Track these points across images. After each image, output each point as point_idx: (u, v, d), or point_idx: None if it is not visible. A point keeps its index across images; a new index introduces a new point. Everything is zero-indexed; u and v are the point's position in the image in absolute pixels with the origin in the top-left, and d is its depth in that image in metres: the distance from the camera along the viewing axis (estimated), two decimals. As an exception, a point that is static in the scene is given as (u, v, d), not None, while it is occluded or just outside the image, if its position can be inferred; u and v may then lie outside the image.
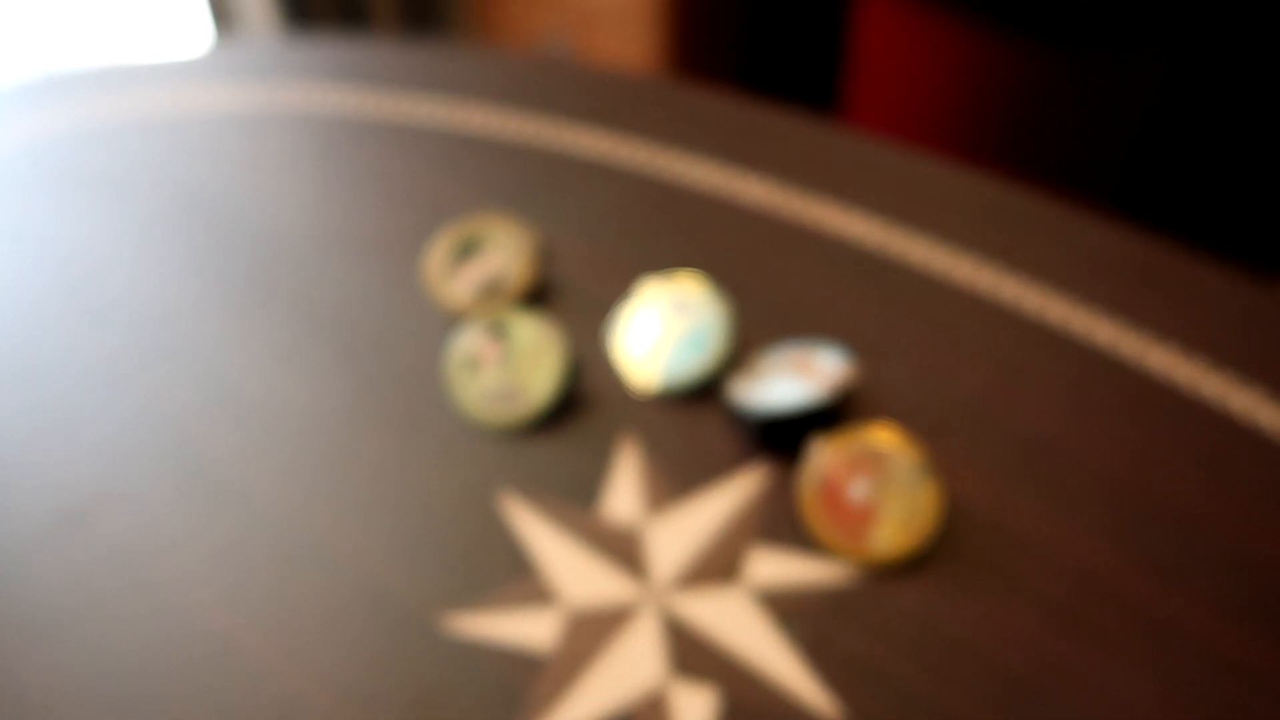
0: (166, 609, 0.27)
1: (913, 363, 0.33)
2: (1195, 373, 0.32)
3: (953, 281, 0.36)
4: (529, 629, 0.26)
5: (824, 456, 0.28)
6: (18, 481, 0.30)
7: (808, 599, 0.27)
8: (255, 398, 0.33)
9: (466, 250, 0.36)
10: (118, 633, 0.26)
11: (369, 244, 0.39)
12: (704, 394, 0.32)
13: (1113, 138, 0.96)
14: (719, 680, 0.25)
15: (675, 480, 0.30)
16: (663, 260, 0.37)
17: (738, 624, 0.26)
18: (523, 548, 0.28)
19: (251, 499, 0.29)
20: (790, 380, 0.31)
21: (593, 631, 0.26)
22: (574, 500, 0.29)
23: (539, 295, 0.36)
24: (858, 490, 0.28)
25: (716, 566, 0.27)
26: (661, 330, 0.33)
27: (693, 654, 0.26)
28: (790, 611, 0.26)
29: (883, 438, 0.29)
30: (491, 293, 0.35)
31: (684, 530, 0.28)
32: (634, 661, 0.25)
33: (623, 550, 0.28)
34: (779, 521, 0.29)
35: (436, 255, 0.36)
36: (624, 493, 0.29)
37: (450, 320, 0.35)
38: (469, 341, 0.32)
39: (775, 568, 0.27)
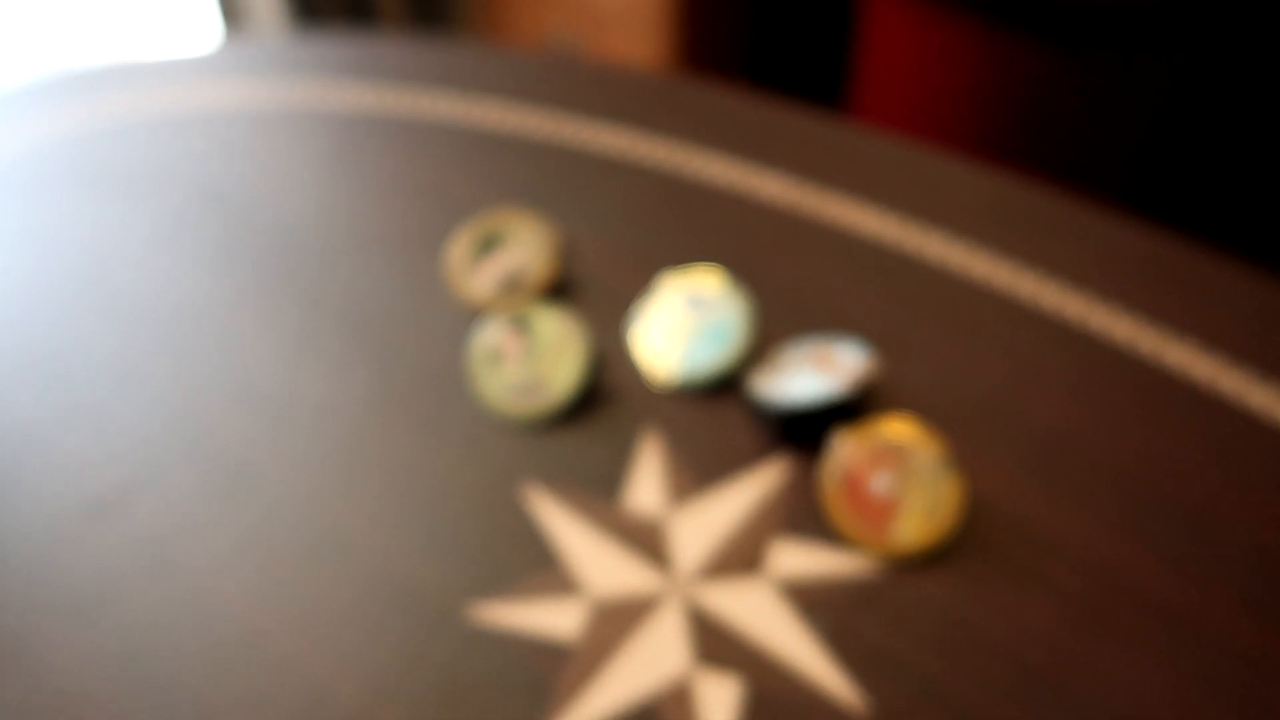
0: (194, 597, 0.27)
1: (931, 358, 0.33)
2: (1213, 369, 0.33)
3: (970, 277, 0.36)
4: (554, 619, 0.26)
5: (846, 450, 0.29)
6: (48, 473, 0.31)
7: (830, 591, 0.27)
8: (278, 392, 0.33)
9: (488, 245, 0.36)
10: (147, 620, 0.26)
11: (387, 239, 0.39)
12: (724, 388, 0.32)
13: (1121, 138, 0.96)
14: (742, 670, 0.25)
15: (697, 473, 0.30)
16: (681, 255, 0.37)
17: (761, 615, 0.26)
18: (546, 539, 0.28)
19: (277, 491, 0.30)
20: (811, 374, 0.31)
21: (617, 622, 0.26)
22: (597, 492, 0.29)
23: (560, 290, 0.36)
24: (880, 483, 0.28)
25: (739, 558, 0.28)
26: (681, 324, 0.33)
27: (716, 644, 0.26)
28: (813, 603, 0.27)
29: (903, 432, 0.29)
30: (513, 287, 0.35)
31: (707, 522, 0.29)
32: (658, 652, 0.26)
33: (646, 542, 0.28)
34: (801, 514, 0.29)
35: (458, 250, 0.36)
36: (646, 485, 0.30)
37: (472, 315, 0.35)
38: (491, 335, 0.33)
39: (798, 560, 0.28)
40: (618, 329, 0.35)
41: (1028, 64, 0.90)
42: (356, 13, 1.23)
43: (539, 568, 0.27)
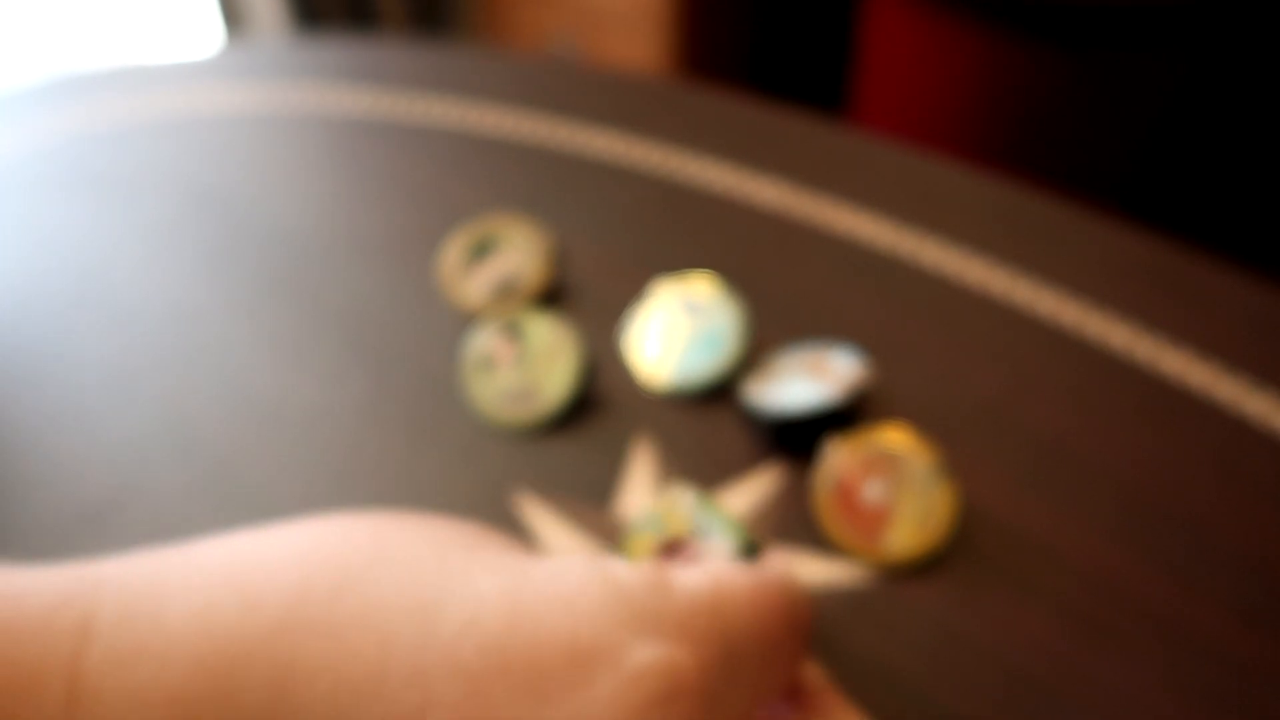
0: (184, 606, 0.27)
1: (926, 365, 0.33)
2: (1210, 376, 0.32)
3: (965, 284, 0.36)
4: (545, 628, 0.26)
5: (838, 458, 0.29)
6: (38, 480, 0.31)
7: (822, 599, 0.27)
8: (270, 397, 0.33)
9: (481, 251, 0.36)
10: (136, 629, 0.26)
11: (382, 244, 0.39)
12: (718, 395, 0.32)
13: (1123, 140, 0.96)
14: (734, 680, 0.25)
15: (689, 480, 0.30)
16: (676, 261, 0.37)
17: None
18: (538, 545, 0.28)
19: (268, 497, 0.30)
20: (804, 382, 0.31)
21: (608, 631, 0.26)
22: (589, 499, 0.29)
23: (553, 296, 0.36)
24: (872, 491, 0.28)
25: (731, 567, 0.28)
26: (675, 331, 0.33)
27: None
28: (805, 612, 0.27)
29: (897, 439, 0.29)
30: (506, 293, 0.35)
31: (698, 530, 0.28)
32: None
33: (638, 550, 0.28)
34: (793, 522, 0.29)
35: (451, 256, 0.36)
36: (638, 492, 0.30)
37: (465, 320, 0.35)
38: (484, 342, 0.33)
39: (790, 568, 0.27)
40: (611, 335, 0.34)
41: (1029, 67, 0.90)
42: (358, 15, 1.23)
43: (530, 576, 0.27)
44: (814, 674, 0.23)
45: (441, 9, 1.31)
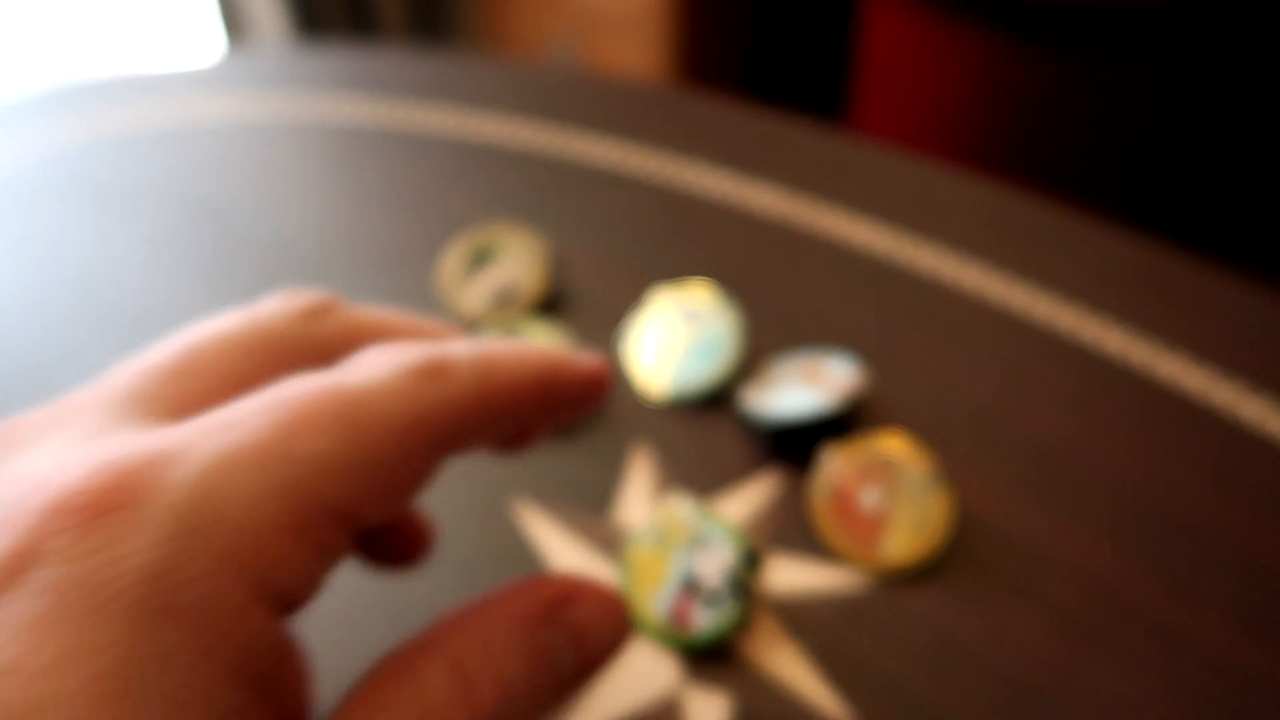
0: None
1: (922, 371, 0.33)
2: (1205, 381, 0.33)
3: (961, 289, 0.36)
4: (543, 636, 0.26)
5: (835, 465, 0.29)
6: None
7: (819, 606, 0.27)
8: None
9: (479, 259, 0.36)
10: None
11: (381, 253, 0.39)
12: (715, 402, 0.32)
13: (1123, 142, 0.96)
14: (730, 687, 0.25)
15: (687, 488, 0.30)
16: (673, 269, 0.37)
17: (749, 631, 0.26)
18: (536, 554, 0.28)
19: (268, 506, 0.30)
20: (801, 389, 0.31)
21: (606, 638, 0.26)
22: (586, 507, 0.29)
23: (551, 304, 0.36)
24: (869, 498, 0.28)
25: (728, 574, 0.28)
26: (672, 339, 0.34)
27: (704, 661, 0.26)
28: (802, 618, 0.27)
29: (893, 446, 0.29)
30: (505, 301, 0.35)
31: (696, 538, 0.29)
32: (646, 668, 0.26)
33: (635, 558, 0.28)
34: (790, 529, 0.29)
35: (450, 264, 0.36)
36: (636, 500, 0.30)
37: (464, 328, 0.35)
38: (482, 350, 0.33)
39: (787, 575, 0.28)
40: (608, 343, 0.35)
41: (1028, 70, 0.90)
42: (358, 22, 1.24)
43: (528, 584, 0.28)
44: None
45: (441, 15, 1.31)
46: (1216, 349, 0.33)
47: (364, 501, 0.14)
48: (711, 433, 0.32)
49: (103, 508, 0.12)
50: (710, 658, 0.26)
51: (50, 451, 0.13)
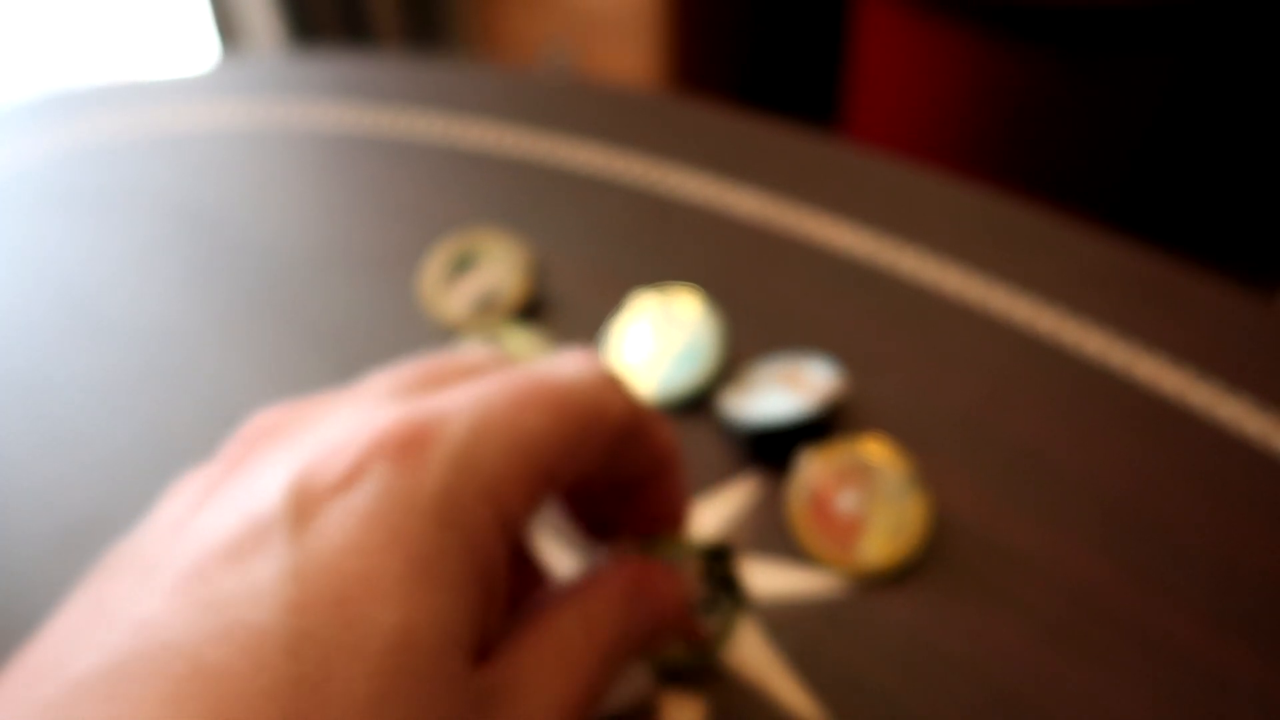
0: (165, 622, 0.27)
1: (902, 374, 0.33)
2: (1183, 382, 0.33)
3: (942, 292, 0.36)
4: (521, 640, 0.26)
5: (813, 468, 0.29)
6: (19, 501, 0.31)
7: (796, 609, 0.27)
8: (255, 412, 0.33)
9: (462, 265, 0.36)
10: (117, 645, 0.27)
11: (367, 259, 0.39)
12: (696, 406, 0.33)
13: (1116, 144, 0.96)
14: (707, 690, 0.25)
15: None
16: (656, 273, 0.37)
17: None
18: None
19: (249, 513, 0.30)
20: (780, 393, 0.31)
21: (584, 643, 0.26)
22: (566, 512, 0.30)
23: (533, 309, 0.36)
24: (846, 502, 0.28)
25: (706, 578, 0.28)
26: (655, 343, 0.34)
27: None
28: (779, 622, 0.27)
29: (872, 450, 0.29)
30: (487, 307, 0.35)
31: (675, 542, 0.29)
32: (625, 671, 0.26)
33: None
34: (769, 532, 0.29)
35: (432, 270, 0.36)
36: (616, 505, 0.30)
37: (446, 334, 0.36)
38: (464, 356, 0.33)
39: (764, 578, 0.28)
40: (591, 347, 0.35)
41: (1021, 72, 0.90)
42: (352, 27, 1.24)
43: (507, 589, 0.28)
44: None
45: (435, 19, 1.32)
46: (1195, 350, 0.34)
47: (565, 465, 0.18)
48: (691, 436, 0.32)
49: (406, 446, 0.16)
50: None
51: (354, 412, 0.18)
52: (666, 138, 0.44)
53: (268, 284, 0.38)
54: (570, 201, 0.42)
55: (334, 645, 0.14)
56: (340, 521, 0.15)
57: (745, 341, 0.35)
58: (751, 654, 0.26)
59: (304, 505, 0.16)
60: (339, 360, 0.35)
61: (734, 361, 0.34)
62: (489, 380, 0.18)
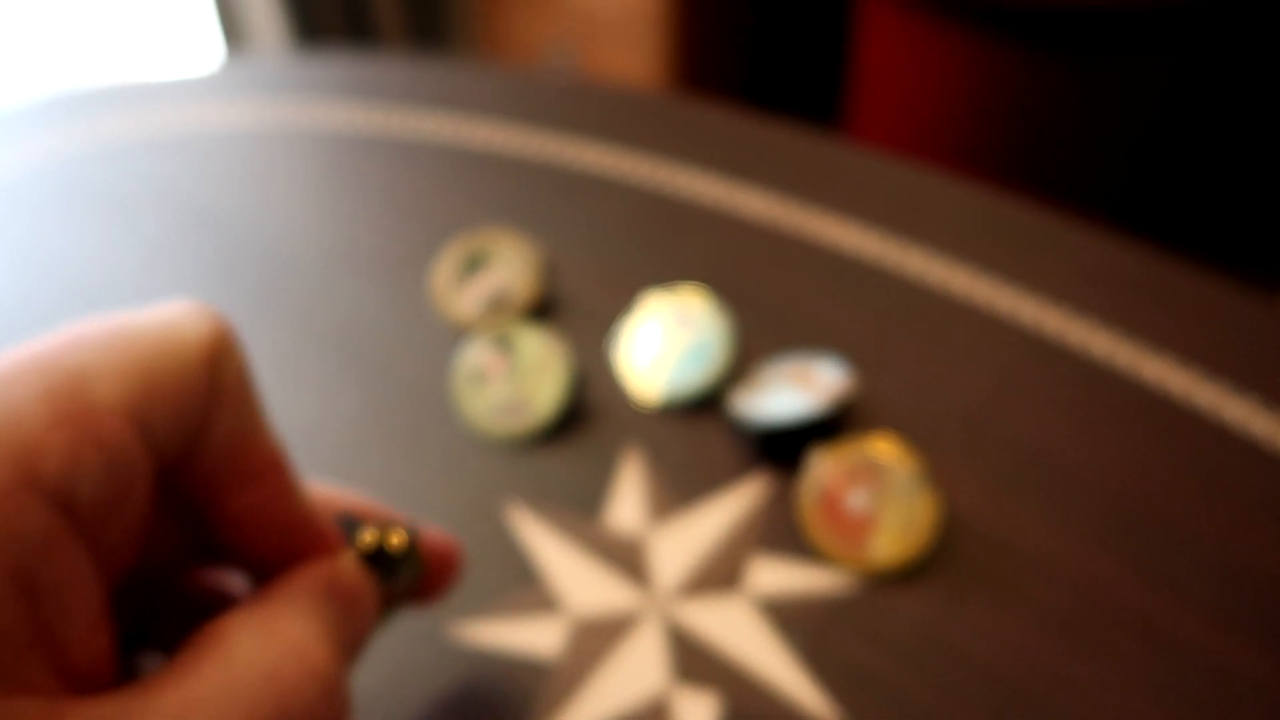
0: (181, 618, 0.27)
1: (910, 373, 0.34)
2: (1190, 383, 0.33)
3: (949, 293, 0.37)
4: (534, 637, 0.27)
5: (823, 467, 0.29)
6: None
7: (807, 607, 0.27)
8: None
9: (473, 265, 0.36)
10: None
11: (376, 259, 0.39)
12: (706, 406, 0.33)
13: (1117, 145, 0.96)
14: (720, 687, 0.26)
15: (678, 491, 0.30)
16: (665, 274, 0.38)
17: (739, 632, 0.27)
18: (528, 557, 0.29)
19: (263, 510, 0.30)
20: (790, 392, 0.31)
21: (597, 639, 0.27)
22: (579, 510, 0.30)
23: (544, 309, 0.37)
24: (856, 500, 0.29)
25: (718, 575, 0.28)
26: (664, 343, 0.34)
27: (695, 661, 0.26)
28: (790, 619, 0.27)
29: (881, 448, 0.29)
30: (497, 307, 0.36)
31: (686, 540, 0.29)
32: (637, 668, 0.26)
33: (626, 559, 0.28)
34: (779, 531, 0.29)
35: (443, 270, 0.36)
36: (627, 503, 0.30)
37: (457, 334, 0.36)
38: (476, 355, 0.33)
39: (776, 576, 0.28)
40: (601, 348, 0.35)
41: (1024, 73, 0.90)
42: (356, 28, 1.24)
43: (520, 585, 0.28)
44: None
45: (439, 21, 1.32)
46: (1201, 351, 0.34)
47: (149, 404, 0.15)
48: (702, 436, 0.32)
49: None
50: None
51: None
52: (673, 138, 0.45)
53: (276, 284, 0.38)
54: (578, 201, 0.42)
55: None
56: None
57: (755, 341, 0.35)
58: (762, 651, 0.26)
59: None
60: (349, 358, 0.35)
61: (743, 361, 0.34)
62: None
